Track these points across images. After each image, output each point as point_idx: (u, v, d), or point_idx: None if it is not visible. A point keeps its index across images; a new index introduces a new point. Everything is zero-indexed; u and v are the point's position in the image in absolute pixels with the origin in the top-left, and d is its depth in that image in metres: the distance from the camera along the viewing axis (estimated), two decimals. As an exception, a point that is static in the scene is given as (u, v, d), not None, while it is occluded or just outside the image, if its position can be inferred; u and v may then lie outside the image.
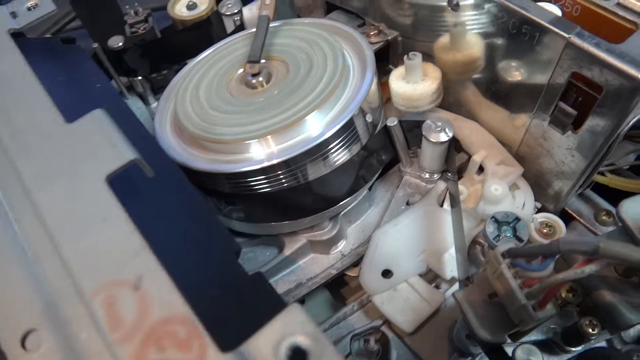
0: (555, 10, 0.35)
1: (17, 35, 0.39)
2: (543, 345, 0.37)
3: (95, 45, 0.51)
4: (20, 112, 0.31)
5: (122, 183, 0.28)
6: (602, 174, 0.42)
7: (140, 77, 0.56)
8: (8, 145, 0.30)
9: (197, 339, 0.22)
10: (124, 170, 0.28)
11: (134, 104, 0.57)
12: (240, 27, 0.54)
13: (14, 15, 0.40)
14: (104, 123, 0.30)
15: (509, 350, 0.34)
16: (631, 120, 0.33)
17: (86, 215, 0.26)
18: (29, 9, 0.40)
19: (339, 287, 0.48)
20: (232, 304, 0.27)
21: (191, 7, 0.56)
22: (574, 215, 0.44)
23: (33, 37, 0.47)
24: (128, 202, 0.27)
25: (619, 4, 0.34)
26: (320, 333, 0.22)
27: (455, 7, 0.39)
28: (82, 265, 0.25)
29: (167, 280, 0.24)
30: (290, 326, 0.22)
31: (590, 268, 0.27)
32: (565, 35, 0.32)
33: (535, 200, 0.43)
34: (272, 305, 0.28)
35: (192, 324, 0.22)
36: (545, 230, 0.40)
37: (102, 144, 0.29)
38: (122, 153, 0.29)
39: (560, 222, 0.40)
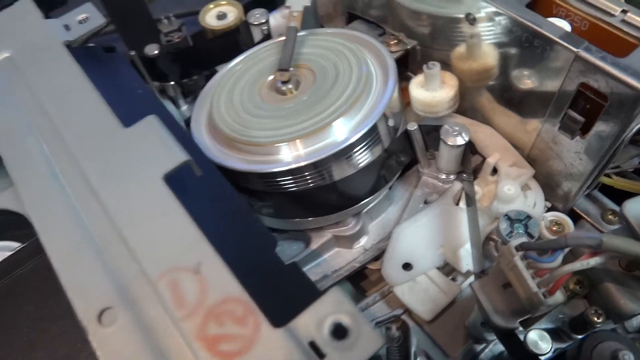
0: (565, 26, 0.38)
1: (70, 47, 0.43)
2: (552, 333, 0.40)
3: (133, 52, 0.55)
4: (83, 119, 0.35)
5: (176, 181, 0.31)
6: (608, 176, 0.45)
7: (172, 82, 0.60)
8: (74, 148, 0.34)
9: (252, 315, 0.25)
10: (178, 170, 0.32)
11: (166, 107, 0.61)
12: (268, 35, 0.58)
13: (67, 27, 0.44)
14: (158, 127, 0.34)
15: (521, 337, 0.38)
16: (635, 126, 0.36)
17: (148, 210, 0.30)
18: (80, 22, 0.44)
19: (360, 280, 0.51)
20: (276, 288, 0.31)
21: (221, 17, 0.59)
22: (582, 214, 0.47)
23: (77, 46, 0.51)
24: (183, 198, 0.30)
25: (624, 21, 0.37)
26: (358, 312, 0.25)
27: (472, 21, 0.42)
28: (147, 253, 0.28)
29: (223, 266, 0.27)
30: (332, 306, 0.25)
31: (595, 260, 0.30)
32: (574, 49, 0.35)
33: (546, 200, 0.46)
34: (310, 290, 0.31)
35: (246, 303, 0.26)
36: (554, 228, 0.43)
37: (157, 147, 0.33)
38: (176, 155, 0.32)
39: (568, 221, 0.43)
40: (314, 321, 0.25)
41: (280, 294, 0.30)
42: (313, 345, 0.24)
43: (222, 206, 0.36)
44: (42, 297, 0.39)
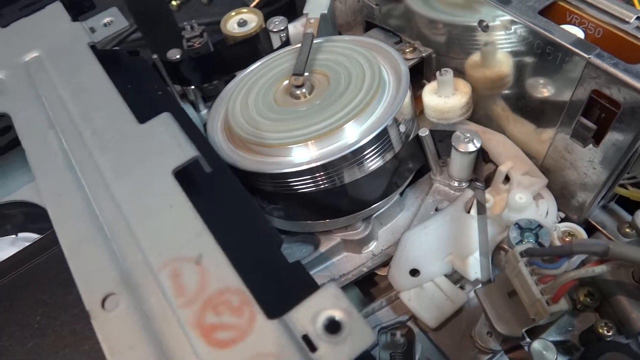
0: (578, 33, 0.38)
1: (95, 48, 0.45)
2: (561, 346, 0.39)
3: (155, 56, 0.57)
4: (101, 114, 0.37)
5: (185, 176, 0.32)
6: (624, 186, 0.44)
7: (193, 87, 0.61)
8: (90, 142, 0.35)
9: (248, 306, 0.26)
10: (187, 165, 0.33)
11: (186, 111, 0.62)
12: (286, 42, 0.59)
13: (92, 30, 0.46)
14: (170, 124, 0.35)
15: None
16: (649, 135, 0.36)
17: (156, 202, 0.31)
18: (105, 25, 0.46)
19: (369, 286, 0.51)
20: (276, 283, 0.31)
21: (242, 24, 0.61)
22: (597, 226, 0.46)
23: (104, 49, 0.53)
24: (190, 192, 0.31)
25: (638, 28, 0.36)
26: (352, 307, 0.25)
27: (485, 28, 0.42)
28: (152, 242, 0.29)
29: (224, 258, 0.28)
30: (327, 301, 0.25)
31: (601, 268, 0.30)
32: (585, 55, 0.35)
33: (560, 210, 0.45)
34: (311, 286, 0.32)
35: (244, 294, 0.26)
36: (567, 239, 0.42)
37: (169, 143, 0.34)
38: (186, 151, 0.33)
39: (582, 232, 0.42)
40: (308, 315, 0.25)
41: (280, 288, 0.31)
42: (306, 338, 0.25)
43: (230, 202, 0.37)
44: (55, 286, 0.40)
